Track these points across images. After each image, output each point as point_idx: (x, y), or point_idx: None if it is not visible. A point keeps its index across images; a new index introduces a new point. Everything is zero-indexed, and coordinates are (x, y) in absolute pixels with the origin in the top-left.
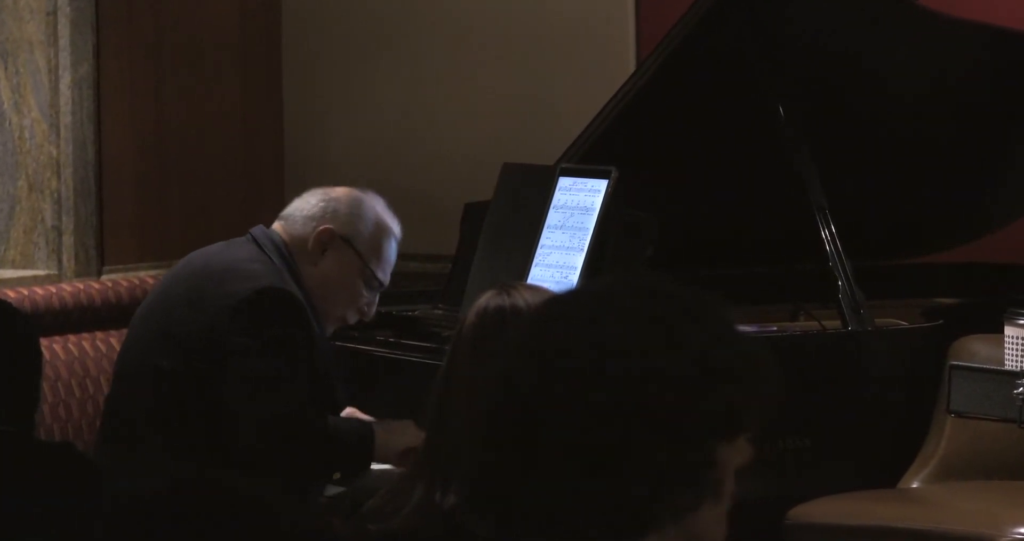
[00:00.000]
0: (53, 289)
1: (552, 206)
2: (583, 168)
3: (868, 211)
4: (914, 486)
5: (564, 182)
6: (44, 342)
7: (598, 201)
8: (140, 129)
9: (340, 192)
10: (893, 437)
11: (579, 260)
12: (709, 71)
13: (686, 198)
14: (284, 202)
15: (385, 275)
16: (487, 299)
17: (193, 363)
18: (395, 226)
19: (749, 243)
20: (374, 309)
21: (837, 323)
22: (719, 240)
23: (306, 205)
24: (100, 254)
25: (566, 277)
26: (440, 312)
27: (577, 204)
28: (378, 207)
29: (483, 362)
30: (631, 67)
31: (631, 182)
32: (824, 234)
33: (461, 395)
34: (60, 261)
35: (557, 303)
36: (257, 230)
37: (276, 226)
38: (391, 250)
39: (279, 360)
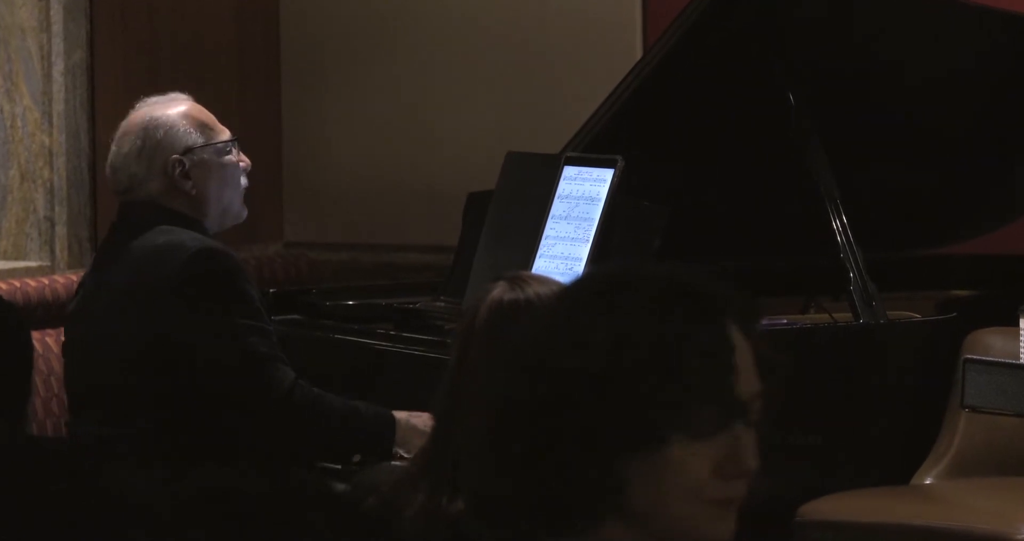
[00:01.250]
0: (45, 281)
1: (557, 196)
2: (588, 157)
3: (880, 201)
4: (927, 482)
5: (569, 171)
6: (36, 335)
7: (604, 191)
8: None
9: (131, 130)
10: (906, 432)
11: (584, 251)
12: (717, 58)
13: (694, 188)
14: (282, 192)
15: (226, 132)
16: (500, 293)
17: (155, 349)
18: (179, 101)
19: (759, 234)
20: (246, 158)
21: (848, 316)
22: (728, 231)
23: (127, 167)
24: (94, 245)
25: (571, 268)
26: (442, 304)
27: (582, 194)
28: (161, 104)
29: (498, 359)
30: (637, 54)
31: (637, 171)
32: (835, 225)
33: (473, 394)
34: (53, 252)
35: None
36: (136, 213)
37: (130, 199)
38: (206, 116)
39: (245, 318)
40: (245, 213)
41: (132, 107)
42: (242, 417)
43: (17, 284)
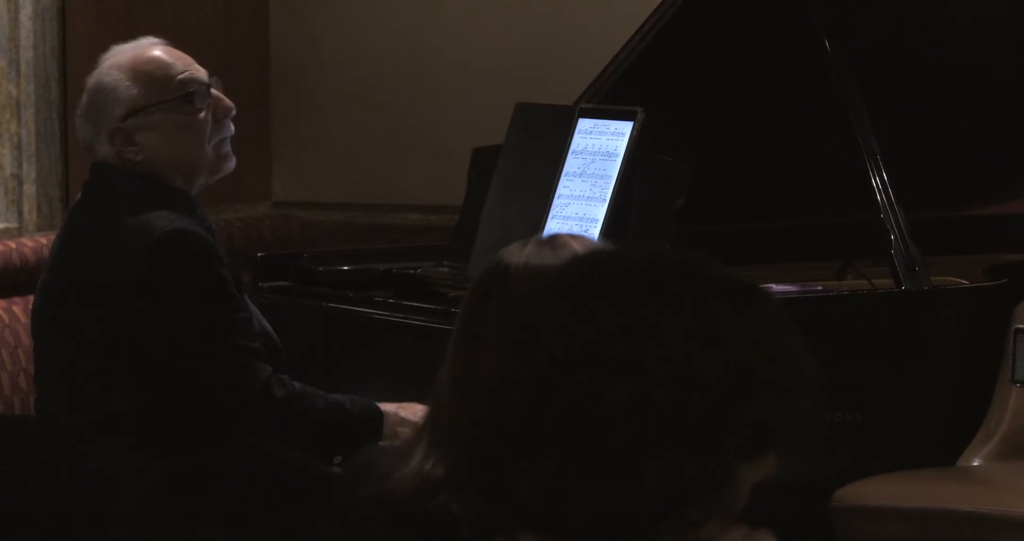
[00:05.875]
0: (13, 244)
1: (571, 151)
2: (606, 108)
3: (925, 155)
4: (975, 464)
5: (584, 124)
6: (2, 304)
7: (622, 145)
8: None
9: (86, 87)
10: (952, 410)
11: (601, 212)
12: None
13: (721, 142)
14: (270, 146)
15: (185, 78)
16: (530, 255)
17: (117, 326)
18: (138, 50)
19: (791, 193)
20: (225, 102)
21: (889, 282)
22: (758, 190)
23: (81, 127)
24: (65, 205)
25: (586, 230)
26: (445, 270)
27: (599, 149)
28: (120, 55)
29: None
30: None
31: (660, 124)
32: (875, 182)
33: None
34: (20, 213)
35: (592, 270)
36: (101, 176)
37: (93, 160)
38: (154, 64)
39: (215, 310)
40: (231, 163)
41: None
42: (216, 413)
43: None
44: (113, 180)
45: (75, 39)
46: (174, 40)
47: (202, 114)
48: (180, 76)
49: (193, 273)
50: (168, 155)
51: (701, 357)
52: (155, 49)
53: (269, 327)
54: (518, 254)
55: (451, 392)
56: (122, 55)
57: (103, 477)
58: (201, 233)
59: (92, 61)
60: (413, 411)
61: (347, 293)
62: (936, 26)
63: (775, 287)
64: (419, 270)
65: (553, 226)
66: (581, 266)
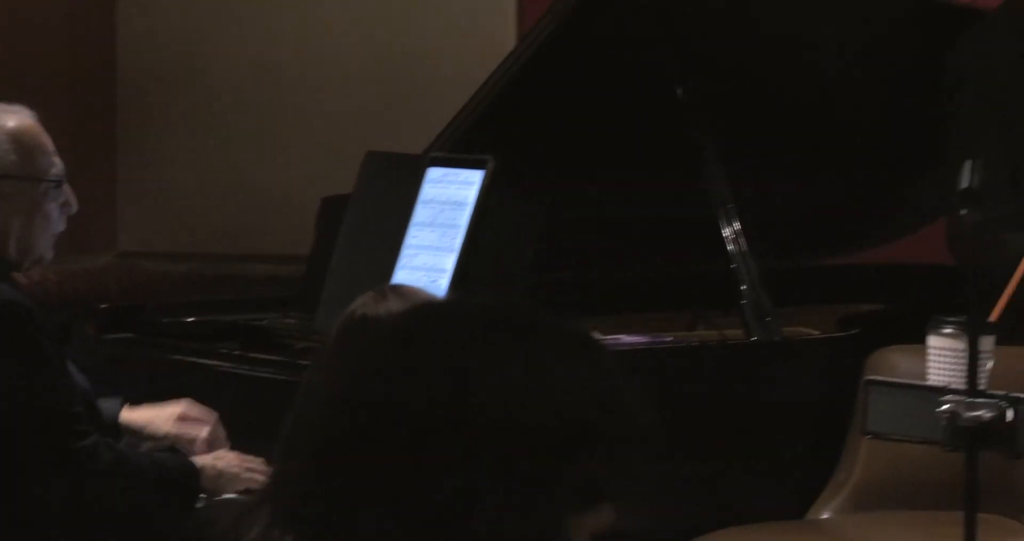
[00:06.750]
0: None
1: (420, 200)
2: (456, 157)
3: (777, 206)
4: (824, 517)
5: (434, 173)
6: None
7: (472, 195)
8: None
9: None
10: (801, 461)
11: (450, 262)
12: (600, 46)
13: (573, 191)
14: (115, 195)
15: (56, 166)
16: (359, 307)
17: None
18: (14, 116)
19: (643, 241)
20: (74, 200)
21: (740, 333)
22: (609, 237)
23: None
24: None
25: (435, 281)
26: (292, 321)
27: (448, 198)
28: None
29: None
30: (511, 42)
31: (511, 173)
32: (727, 231)
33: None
34: None
35: (421, 321)
36: None
37: None
38: (37, 141)
39: (36, 379)
40: (50, 255)
41: None
42: (37, 480)
43: None
44: None
45: None
46: (19, 86)
47: (56, 204)
48: (56, 161)
49: (9, 344)
50: (13, 229)
51: (527, 409)
52: (37, 124)
53: (88, 387)
54: (372, 306)
55: (290, 449)
56: (4, 117)
57: None
58: (23, 302)
59: None
60: (228, 461)
61: (192, 345)
62: (795, 76)
63: (625, 338)
64: (265, 321)
65: (401, 277)
66: (411, 318)
